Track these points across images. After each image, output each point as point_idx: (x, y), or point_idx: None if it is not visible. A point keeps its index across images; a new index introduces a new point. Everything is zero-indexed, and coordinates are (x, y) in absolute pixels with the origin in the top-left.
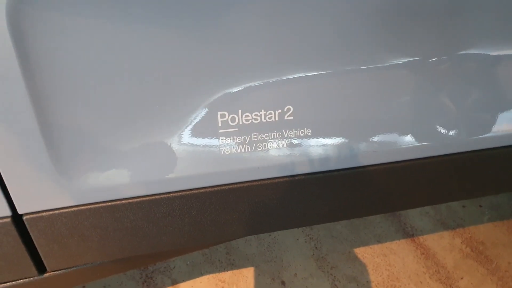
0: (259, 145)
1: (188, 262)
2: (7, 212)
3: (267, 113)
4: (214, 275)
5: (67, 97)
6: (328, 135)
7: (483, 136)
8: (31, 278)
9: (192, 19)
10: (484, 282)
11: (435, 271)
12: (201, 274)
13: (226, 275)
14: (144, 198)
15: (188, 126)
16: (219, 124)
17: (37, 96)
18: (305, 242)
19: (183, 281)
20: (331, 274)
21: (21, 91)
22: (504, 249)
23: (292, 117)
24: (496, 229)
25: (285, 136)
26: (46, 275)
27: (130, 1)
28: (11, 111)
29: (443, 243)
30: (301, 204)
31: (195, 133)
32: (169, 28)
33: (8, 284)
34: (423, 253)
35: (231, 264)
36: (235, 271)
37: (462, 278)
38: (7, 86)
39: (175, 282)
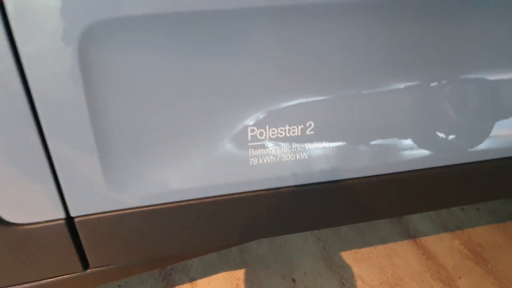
0: (283, 156)
1: (204, 261)
2: (62, 214)
3: (291, 128)
4: (229, 273)
5: (120, 119)
6: (345, 148)
7: (483, 149)
8: (76, 274)
9: (231, 52)
10: (481, 282)
11: (436, 271)
12: (217, 273)
13: (240, 273)
14: (179, 204)
15: (222, 140)
16: (249, 138)
17: (96, 117)
18: (314, 243)
19: (201, 279)
20: (338, 272)
21: (83, 113)
22: (500, 250)
23: (313, 132)
24: (493, 231)
25: (306, 148)
26: (88, 271)
27: (173, 41)
28: (73, 130)
29: (443, 245)
30: (317, 210)
31: (228, 146)
32: (211, 60)
33: (55, 278)
34: (424, 254)
35: (245, 263)
36: (249, 270)
37: (460, 278)
38: (72, 108)
39: (192, 279)
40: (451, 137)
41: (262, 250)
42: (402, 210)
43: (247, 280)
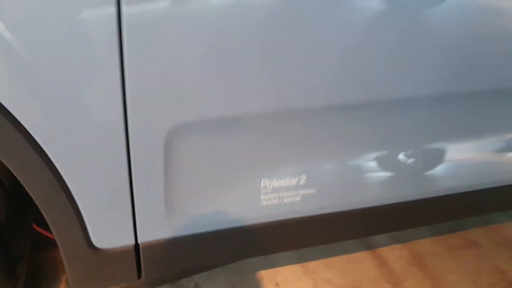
0: (284, 199)
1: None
2: (132, 241)
3: (290, 179)
4: (225, 278)
5: (182, 180)
6: (329, 192)
7: (434, 188)
8: (131, 283)
9: (253, 139)
10: (421, 283)
11: (388, 275)
12: (216, 278)
13: (235, 278)
14: (214, 232)
15: (245, 189)
16: (261, 187)
17: (167, 181)
18: (293, 253)
19: (203, 283)
20: (312, 277)
21: (160, 176)
22: (438, 258)
23: (305, 182)
24: (434, 243)
25: (300, 193)
26: (140, 280)
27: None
28: (150, 185)
29: (395, 254)
30: (305, 234)
31: (248, 193)
32: (244, 143)
33: (116, 286)
34: (379, 262)
35: (238, 270)
36: (241, 275)
37: (406, 281)
38: (154, 172)
39: (197, 284)
40: (415, 181)
41: (251, 260)
42: (368, 233)
43: (240, 283)
